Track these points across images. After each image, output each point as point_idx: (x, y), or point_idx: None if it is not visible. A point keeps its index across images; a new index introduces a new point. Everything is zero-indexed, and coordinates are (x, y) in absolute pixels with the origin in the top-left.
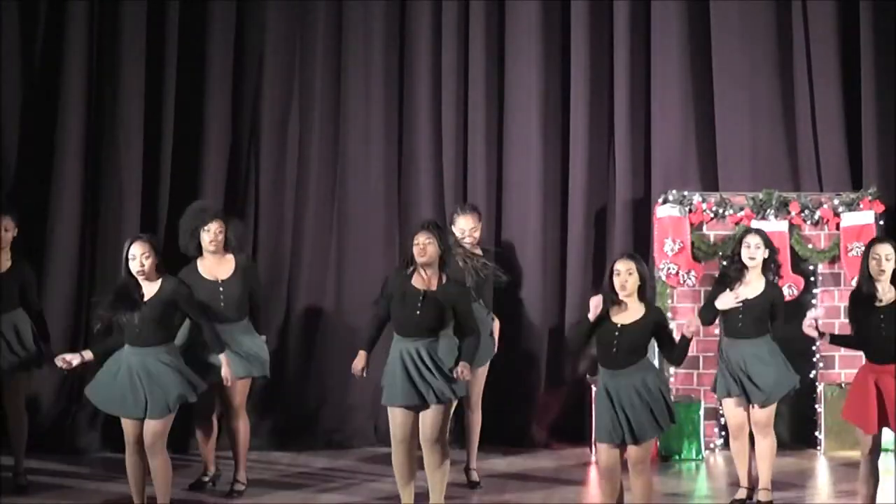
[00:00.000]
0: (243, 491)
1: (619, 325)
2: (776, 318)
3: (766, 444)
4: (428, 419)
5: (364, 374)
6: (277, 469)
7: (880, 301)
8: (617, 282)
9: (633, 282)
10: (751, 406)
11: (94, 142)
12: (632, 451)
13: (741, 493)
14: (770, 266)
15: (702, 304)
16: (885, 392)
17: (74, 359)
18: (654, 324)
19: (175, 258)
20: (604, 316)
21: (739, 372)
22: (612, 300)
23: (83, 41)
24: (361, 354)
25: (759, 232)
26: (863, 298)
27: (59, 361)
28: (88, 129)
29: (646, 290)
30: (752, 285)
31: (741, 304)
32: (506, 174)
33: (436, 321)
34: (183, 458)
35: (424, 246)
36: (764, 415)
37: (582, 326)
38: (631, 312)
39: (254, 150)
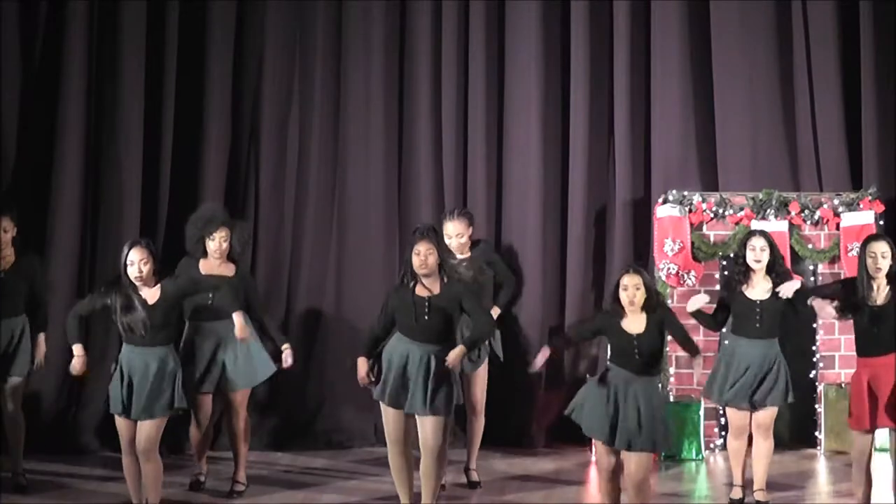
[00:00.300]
0: (243, 491)
1: (635, 335)
2: (797, 308)
3: (767, 445)
4: (429, 427)
5: (371, 379)
6: (277, 469)
7: (874, 301)
8: (625, 297)
9: (641, 296)
10: (755, 408)
11: (94, 141)
12: (631, 463)
13: (737, 493)
14: (775, 267)
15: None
16: (878, 390)
17: (79, 365)
18: (663, 320)
19: (175, 258)
20: (615, 326)
21: (746, 373)
22: (619, 313)
23: (83, 41)
24: (361, 361)
25: (763, 233)
26: (858, 294)
27: (74, 371)
28: (88, 128)
29: (651, 301)
30: (760, 287)
31: (756, 308)
32: (506, 174)
33: (445, 324)
34: (180, 459)
35: (426, 257)
36: (768, 416)
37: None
38: (639, 321)
39: (254, 150)
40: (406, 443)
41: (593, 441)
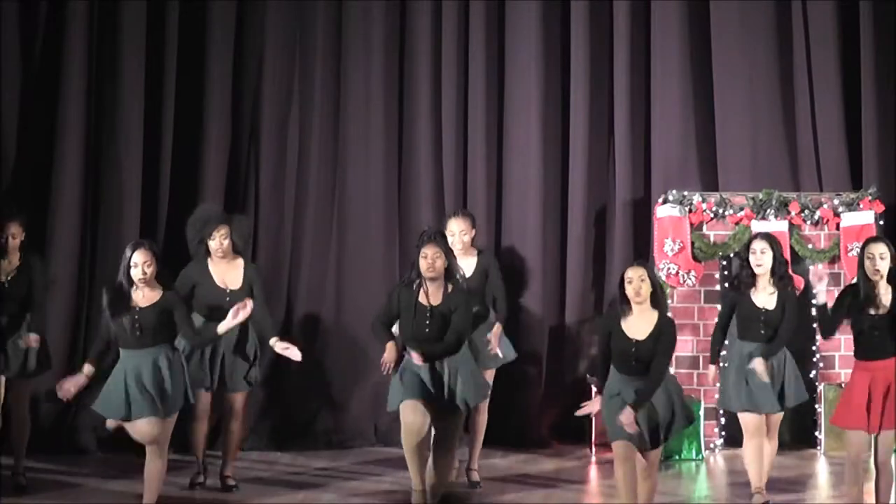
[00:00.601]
0: (236, 486)
1: (634, 341)
2: (785, 321)
3: (773, 446)
4: (452, 423)
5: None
6: (277, 469)
7: (877, 307)
8: (630, 290)
9: (647, 288)
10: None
11: (94, 141)
12: (647, 457)
13: (760, 499)
14: (780, 270)
15: (701, 303)
16: (874, 394)
17: (74, 385)
18: (661, 332)
19: (175, 258)
20: (617, 327)
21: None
22: (625, 311)
23: (83, 41)
24: (391, 345)
25: (765, 236)
26: (860, 299)
27: (60, 392)
28: (88, 128)
29: (658, 297)
30: (765, 293)
31: (762, 316)
32: (506, 174)
33: (447, 331)
34: (181, 460)
35: (433, 260)
36: (778, 417)
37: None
38: (644, 323)
39: (254, 150)
40: (425, 439)
41: (593, 440)
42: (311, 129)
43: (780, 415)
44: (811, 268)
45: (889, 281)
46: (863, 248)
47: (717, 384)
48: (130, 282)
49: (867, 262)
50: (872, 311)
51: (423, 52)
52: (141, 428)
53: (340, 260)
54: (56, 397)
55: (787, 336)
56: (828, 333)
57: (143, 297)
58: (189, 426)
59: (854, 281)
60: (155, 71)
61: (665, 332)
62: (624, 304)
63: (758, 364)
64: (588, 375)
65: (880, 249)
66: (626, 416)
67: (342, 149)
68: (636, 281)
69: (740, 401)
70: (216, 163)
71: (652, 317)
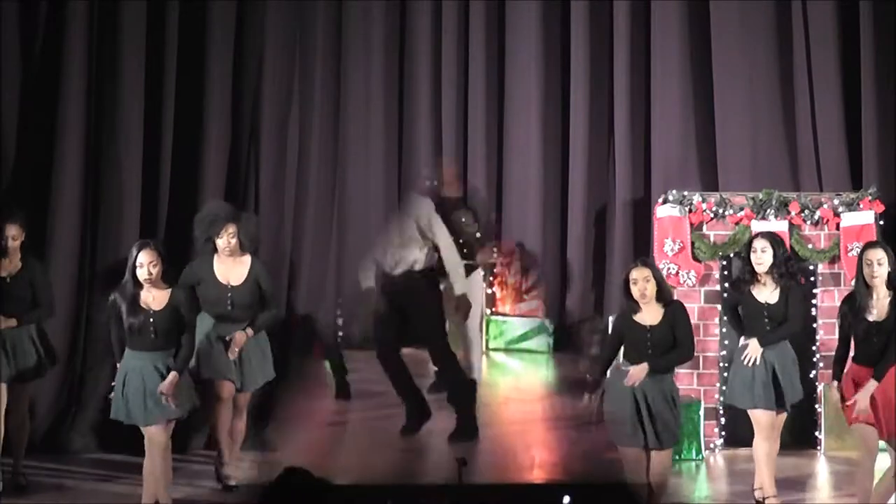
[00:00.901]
0: (237, 486)
1: (648, 327)
2: (790, 316)
3: (776, 446)
4: None
5: None
6: (277, 469)
7: (875, 313)
8: (636, 291)
9: (652, 288)
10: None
11: (94, 141)
12: (658, 458)
13: (774, 502)
14: (781, 268)
15: (701, 303)
16: (879, 400)
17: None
18: (675, 316)
19: (175, 258)
20: (629, 321)
21: (773, 375)
22: (633, 308)
23: (83, 41)
24: None
25: (765, 235)
26: (856, 308)
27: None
28: (88, 128)
29: (664, 292)
30: (767, 288)
31: (764, 311)
32: (506, 174)
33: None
34: (181, 459)
35: None
36: (783, 417)
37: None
38: (654, 312)
39: (254, 150)
40: None
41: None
42: (311, 129)
43: (784, 415)
44: None
45: (889, 286)
46: (861, 254)
47: (719, 384)
48: (136, 282)
49: (865, 269)
50: (871, 317)
51: (423, 52)
52: (156, 432)
53: (340, 260)
54: (55, 397)
55: (792, 328)
56: (844, 352)
57: (154, 298)
58: (212, 417)
59: (853, 285)
60: (155, 71)
61: (680, 320)
62: (631, 302)
63: (752, 343)
64: (588, 376)
65: (878, 255)
66: (639, 370)
67: (342, 149)
68: (641, 282)
69: (752, 397)
70: (216, 163)
71: (661, 307)
